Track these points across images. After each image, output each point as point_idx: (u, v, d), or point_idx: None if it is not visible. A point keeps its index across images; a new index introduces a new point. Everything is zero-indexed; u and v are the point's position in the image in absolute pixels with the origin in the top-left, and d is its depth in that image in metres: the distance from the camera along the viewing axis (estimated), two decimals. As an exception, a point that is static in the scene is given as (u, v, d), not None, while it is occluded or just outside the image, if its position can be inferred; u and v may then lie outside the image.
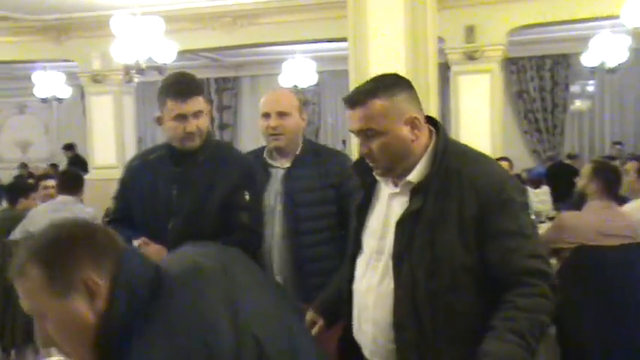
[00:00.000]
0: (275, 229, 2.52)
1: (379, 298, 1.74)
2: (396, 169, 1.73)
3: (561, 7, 6.04)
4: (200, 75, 12.39)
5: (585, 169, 3.51)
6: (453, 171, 1.67)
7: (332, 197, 2.48)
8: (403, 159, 1.71)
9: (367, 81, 1.77)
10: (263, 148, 2.65)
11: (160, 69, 5.87)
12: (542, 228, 4.20)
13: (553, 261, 3.54)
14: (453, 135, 6.68)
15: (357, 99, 1.70)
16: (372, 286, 1.76)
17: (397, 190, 1.76)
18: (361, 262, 1.83)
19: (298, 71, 9.31)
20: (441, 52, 6.62)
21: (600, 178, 3.36)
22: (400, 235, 1.69)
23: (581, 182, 3.49)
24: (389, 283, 1.71)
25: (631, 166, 3.92)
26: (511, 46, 9.72)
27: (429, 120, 1.79)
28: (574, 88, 10.86)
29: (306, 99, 2.66)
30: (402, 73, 2.92)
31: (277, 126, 2.48)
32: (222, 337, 1.16)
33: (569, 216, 3.57)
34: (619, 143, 10.17)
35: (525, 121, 10.83)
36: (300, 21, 6.78)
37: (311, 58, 9.29)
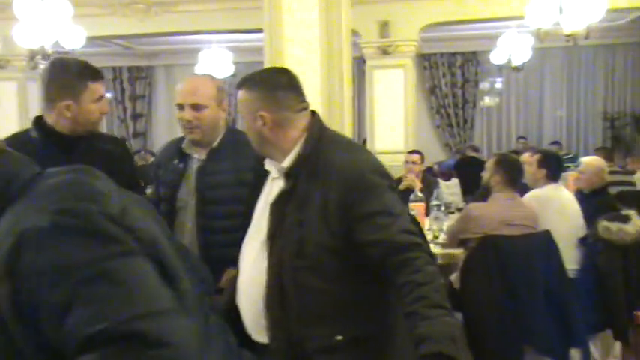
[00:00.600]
0: (187, 224, 2.43)
1: (254, 275, 1.84)
2: (265, 154, 1.91)
3: (471, 6, 6.26)
4: (112, 63, 12.13)
5: (489, 162, 3.67)
6: (323, 158, 1.79)
7: (245, 195, 2.30)
8: (263, 146, 1.89)
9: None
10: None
11: (66, 55, 5.62)
12: (452, 219, 4.36)
13: (460, 250, 3.69)
14: (368, 127, 6.84)
15: (238, 85, 1.89)
16: (250, 263, 1.88)
17: (277, 175, 1.89)
18: (246, 241, 1.95)
19: (214, 62, 9.18)
20: (358, 46, 6.75)
21: (503, 171, 3.52)
22: (273, 216, 1.82)
23: (485, 175, 3.64)
24: (262, 261, 1.81)
25: (529, 157, 4.11)
26: (424, 42, 10.00)
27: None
28: (483, 85, 11.31)
29: (223, 87, 2.50)
30: (317, 64, 2.98)
31: (191, 119, 2.34)
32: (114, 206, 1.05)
33: (474, 207, 3.72)
34: (523, 138, 10.70)
35: (438, 116, 11.19)
36: (216, 11, 6.69)
37: (227, 48, 9.19)
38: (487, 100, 11.34)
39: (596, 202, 4.47)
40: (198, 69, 9.36)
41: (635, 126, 10.66)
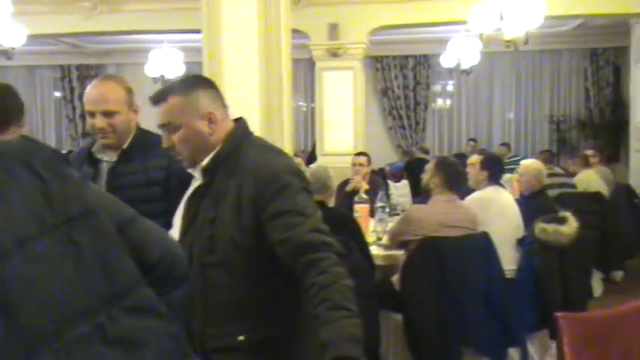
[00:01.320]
0: None
1: None
2: (197, 160, 1.87)
3: (418, 10, 6.34)
4: (61, 61, 11.85)
5: (429, 165, 3.72)
6: (240, 157, 1.83)
7: (157, 195, 2.33)
8: (202, 150, 1.86)
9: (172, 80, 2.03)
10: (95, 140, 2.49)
11: (6, 53, 5.47)
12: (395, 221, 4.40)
13: (401, 252, 3.73)
14: (317, 129, 6.86)
15: (159, 96, 1.86)
16: None
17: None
18: None
19: (165, 61, 9.07)
20: (307, 48, 6.76)
21: (441, 173, 3.57)
22: (186, 212, 1.88)
23: (425, 177, 3.69)
24: None
25: (475, 159, 4.18)
26: (376, 45, 10.09)
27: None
28: (435, 88, 11.47)
29: (131, 87, 2.46)
30: (256, 65, 2.97)
31: (104, 126, 2.33)
32: None
33: (414, 209, 3.76)
34: (473, 140, 10.90)
35: (390, 118, 11.30)
36: (164, 10, 6.61)
37: (178, 48, 9.09)
38: (439, 103, 11.51)
39: (534, 203, 4.58)
40: (149, 68, 9.24)
41: (580, 129, 10.97)
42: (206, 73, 3.11)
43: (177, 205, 2.03)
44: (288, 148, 3.17)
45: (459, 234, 3.52)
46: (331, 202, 5.46)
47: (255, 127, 2.97)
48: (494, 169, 4.15)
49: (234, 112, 3.01)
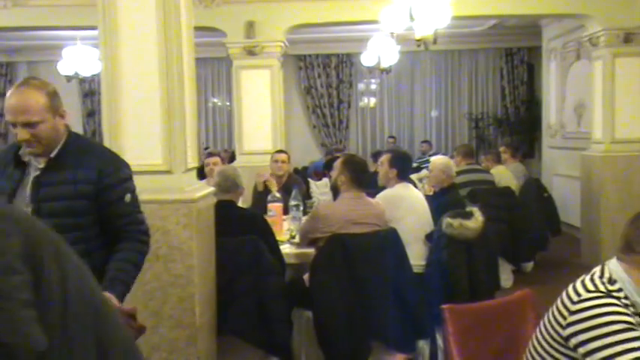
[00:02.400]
0: None
1: None
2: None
3: (333, 9, 6.38)
4: (-33, 58, 11.21)
5: (336, 163, 3.75)
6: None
7: (83, 208, 2.22)
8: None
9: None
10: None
11: None
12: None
13: (311, 250, 3.74)
14: (236, 128, 6.80)
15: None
16: None
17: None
18: None
19: (79, 58, 8.78)
20: (224, 46, 6.69)
21: (348, 171, 3.61)
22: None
23: (333, 175, 3.72)
24: None
25: (385, 158, 4.25)
26: (299, 43, 10.12)
27: None
28: (359, 86, 11.60)
29: (55, 90, 2.34)
30: (155, 63, 2.90)
31: (28, 137, 2.19)
32: None
33: (322, 207, 3.79)
34: (392, 137, 11.11)
35: (314, 116, 11.35)
36: (73, 6, 6.39)
37: (92, 45, 8.80)
38: (364, 101, 11.65)
39: (444, 199, 4.69)
40: (63, 66, 8.92)
41: (497, 126, 11.34)
42: (103, 72, 3.02)
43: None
44: (191, 149, 3.12)
45: (366, 230, 3.56)
46: (243, 201, 5.45)
47: (156, 128, 2.93)
48: (403, 166, 4.23)
49: (133, 112, 2.96)
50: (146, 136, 2.93)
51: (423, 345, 3.91)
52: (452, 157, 7.29)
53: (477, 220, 4.05)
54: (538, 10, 6.77)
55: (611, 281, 1.75)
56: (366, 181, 3.74)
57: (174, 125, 2.92)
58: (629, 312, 1.67)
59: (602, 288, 1.72)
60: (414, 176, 6.85)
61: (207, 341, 3.15)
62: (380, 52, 8.74)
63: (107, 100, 2.92)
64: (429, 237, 4.16)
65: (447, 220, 3.94)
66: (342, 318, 3.46)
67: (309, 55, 11.16)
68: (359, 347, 3.51)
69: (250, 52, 6.35)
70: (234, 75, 6.62)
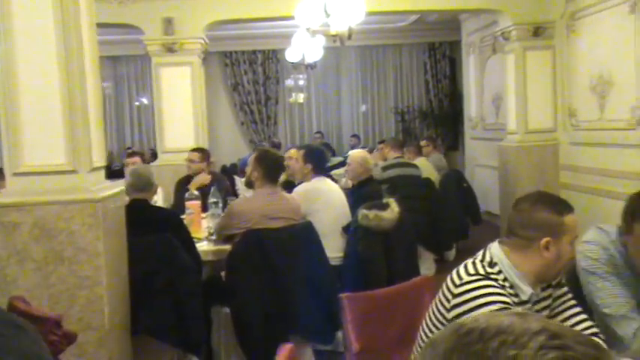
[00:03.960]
0: None
1: None
2: None
3: (252, 5, 6.37)
4: None
5: (250, 158, 3.76)
6: None
7: None
8: None
9: None
10: None
11: None
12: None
13: (229, 246, 3.73)
14: (157, 126, 6.69)
15: None
16: None
17: None
18: None
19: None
20: (141, 43, 6.57)
21: (262, 166, 3.62)
22: None
23: (247, 170, 3.73)
24: None
25: (294, 153, 4.29)
26: (224, 40, 10.05)
27: None
28: (287, 82, 11.62)
29: None
30: (53, 61, 2.83)
31: None
32: None
33: (237, 203, 3.79)
34: (319, 132, 11.20)
35: (242, 113, 11.31)
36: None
37: None
38: (293, 97, 11.67)
39: (363, 191, 4.78)
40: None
41: (422, 120, 11.60)
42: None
43: None
44: (97, 147, 3.05)
45: (282, 225, 3.59)
46: (165, 200, 5.38)
47: (58, 128, 2.86)
48: (317, 160, 4.28)
49: (33, 113, 2.87)
50: (48, 137, 2.85)
51: (342, 336, 3.97)
52: (371, 151, 7.43)
53: (392, 211, 4.13)
54: (451, 5, 6.96)
55: (492, 264, 1.83)
56: (280, 176, 3.76)
57: (76, 124, 2.85)
58: (505, 293, 1.76)
59: (482, 271, 1.80)
60: (339, 170, 6.94)
61: (120, 343, 3.11)
62: (304, 47, 8.78)
63: (4, 101, 2.83)
64: (346, 229, 4.23)
65: (362, 212, 4.01)
66: (258, 312, 3.48)
67: (235, 52, 11.12)
68: (277, 341, 3.51)
69: (169, 49, 6.27)
70: (153, 72, 6.51)
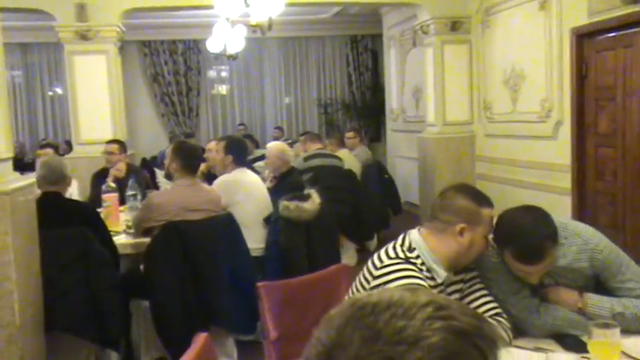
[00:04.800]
0: None
1: None
2: None
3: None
4: None
5: (168, 150, 3.70)
6: None
7: None
8: None
9: None
10: None
11: None
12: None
13: (147, 239, 3.66)
14: (71, 116, 6.46)
15: None
16: None
17: None
18: None
19: None
20: (53, 29, 6.32)
21: (180, 158, 3.57)
22: None
23: (166, 162, 3.67)
24: None
25: (212, 145, 4.24)
26: (142, 28, 9.80)
27: None
28: (209, 73, 11.45)
29: None
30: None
31: None
32: None
33: (155, 195, 3.72)
34: (242, 124, 11.13)
35: (162, 104, 11.06)
36: None
37: None
38: (215, 88, 11.51)
39: (284, 183, 4.79)
40: None
41: (345, 112, 11.73)
42: None
43: None
44: (3, 138, 2.92)
45: (201, 217, 3.55)
46: (80, 193, 5.22)
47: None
48: (238, 151, 4.25)
49: None
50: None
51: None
52: (293, 143, 7.46)
53: (314, 202, 4.17)
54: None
55: (410, 249, 1.90)
56: (198, 168, 3.72)
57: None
58: (422, 276, 1.82)
59: (401, 255, 1.86)
60: (263, 162, 6.92)
61: (32, 339, 2.99)
62: (225, 38, 8.68)
63: None
64: (267, 220, 4.23)
65: (283, 203, 4.02)
66: (178, 305, 3.43)
67: (154, 41, 10.86)
68: (197, 333, 3.50)
69: (83, 37, 6.05)
70: (67, 61, 6.27)
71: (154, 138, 10.82)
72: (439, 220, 1.92)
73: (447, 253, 1.89)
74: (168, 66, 10.94)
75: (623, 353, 1.66)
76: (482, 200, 1.94)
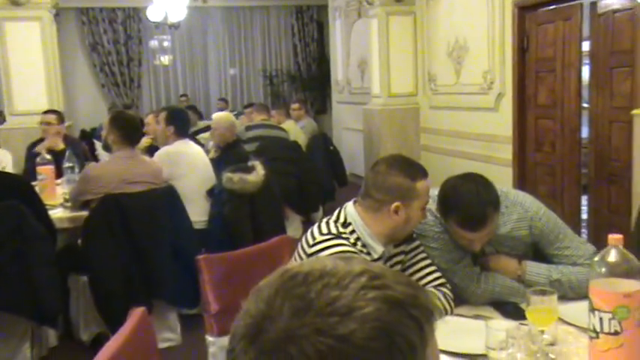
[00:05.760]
0: None
1: None
2: None
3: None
4: None
5: (105, 120, 3.57)
6: None
7: None
8: None
9: None
10: None
11: None
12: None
13: (85, 213, 3.55)
14: (4, 86, 6.18)
15: None
16: None
17: None
18: None
19: None
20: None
21: (117, 128, 3.45)
22: None
23: (103, 133, 3.54)
24: None
25: (161, 116, 4.13)
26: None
27: None
28: (151, 43, 11.14)
29: None
30: None
31: None
32: None
33: (93, 167, 3.60)
34: (185, 95, 10.91)
35: (102, 74, 10.72)
36: None
37: None
38: (158, 58, 11.20)
39: (229, 154, 4.72)
40: None
41: (291, 83, 11.64)
42: None
43: None
44: None
45: (141, 189, 3.46)
46: (14, 165, 5.02)
47: None
48: (180, 123, 4.15)
49: None
50: None
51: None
52: (237, 115, 7.36)
53: (258, 173, 4.12)
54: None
55: (345, 224, 1.86)
56: (138, 138, 3.61)
57: None
58: (356, 251, 1.79)
59: (334, 230, 1.82)
60: (206, 134, 6.80)
61: (-37, 319, 2.87)
62: (166, 6, 8.45)
63: None
64: (210, 192, 4.16)
65: (227, 175, 3.96)
66: (119, 280, 3.35)
67: (92, 9, 10.47)
68: (138, 307, 3.44)
69: (14, 3, 5.76)
70: (-4, 27, 5.98)
71: (94, 109, 10.50)
72: (373, 199, 1.85)
73: (382, 231, 1.85)
74: (107, 35, 10.58)
75: (560, 319, 1.70)
76: (416, 173, 1.86)
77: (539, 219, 2.04)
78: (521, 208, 2.05)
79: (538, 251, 2.09)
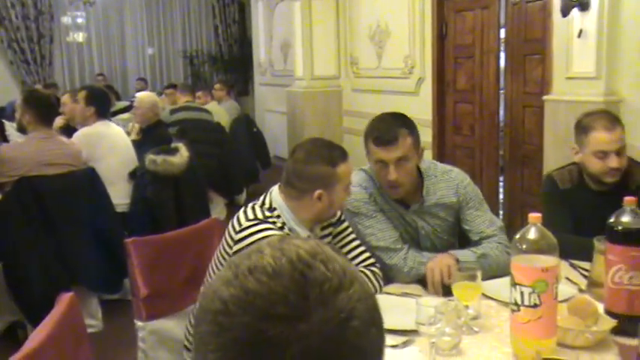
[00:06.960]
0: None
1: None
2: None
3: None
4: None
5: (18, 101, 3.41)
6: None
7: None
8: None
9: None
10: None
11: None
12: None
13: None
14: None
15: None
16: None
17: None
18: None
19: None
20: None
21: (32, 108, 3.30)
22: None
23: (17, 115, 3.39)
24: None
25: (80, 95, 3.98)
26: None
27: None
28: (64, 19, 10.64)
29: None
30: None
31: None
32: None
33: (7, 148, 3.44)
34: (102, 74, 10.52)
35: (10, 51, 10.16)
36: None
37: None
38: (72, 37, 10.70)
39: (151, 136, 4.61)
40: None
41: (212, 64, 11.44)
42: None
43: None
44: None
45: (59, 171, 3.33)
46: None
47: None
48: (101, 103, 4.02)
49: None
50: None
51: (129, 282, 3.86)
52: (159, 95, 7.19)
53: (182, 155, 4.05)
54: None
55: (271, 209, 1.86)
56: (53, 118, 3.46)
57: None
58: (283, 234, 1.80)
59: (260, 216, 1.81)
60: (125, 115, 6.59)
61: None
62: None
63: None
64: (132, 175, 4.06)
65: (150, 157, 3.88)
66: (36, 266, 3.23)
67: (-6, -19, 9.88)
68: (56, 294, 3.32)
69: None
70: None
71: (2, 87, 9.94)
72: (294, 188, 1.84)
73: (307, 216, 1.87)
74: (15, 9, 9.99)
75: (483, 294, 1.78)
76: (336, 158, 1.85)
77: (464, 186, 2.21)
78: (448, 177, 2.22)
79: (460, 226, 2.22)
